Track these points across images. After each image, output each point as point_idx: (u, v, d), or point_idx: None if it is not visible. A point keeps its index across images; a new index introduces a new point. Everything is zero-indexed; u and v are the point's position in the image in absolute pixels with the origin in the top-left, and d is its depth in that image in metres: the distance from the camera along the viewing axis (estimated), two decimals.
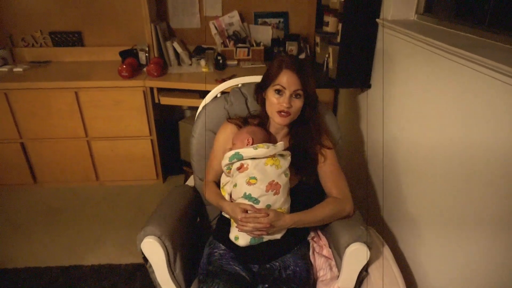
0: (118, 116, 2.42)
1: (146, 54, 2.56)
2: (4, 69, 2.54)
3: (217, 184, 1.38)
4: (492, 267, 1.02)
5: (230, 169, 1.23)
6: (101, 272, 1.94)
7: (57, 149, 2.52)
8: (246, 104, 1.50)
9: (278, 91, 1.22)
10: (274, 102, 1.22)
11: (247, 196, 1.16)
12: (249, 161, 1.19)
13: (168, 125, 2.77)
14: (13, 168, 2.57)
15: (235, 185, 1.20)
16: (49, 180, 2.65)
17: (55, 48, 2.74)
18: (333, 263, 1.31)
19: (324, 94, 2.40)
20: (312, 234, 1.40)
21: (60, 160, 2.56)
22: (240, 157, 1.20)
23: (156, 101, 2.43)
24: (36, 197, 2.58)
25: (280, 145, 1.23)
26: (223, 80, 2.20)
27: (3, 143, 2.47)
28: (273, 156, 1.20)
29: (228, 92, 1.54)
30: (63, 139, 2.49)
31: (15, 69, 2.53)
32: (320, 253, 1.34)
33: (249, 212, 1.14)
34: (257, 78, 1.37)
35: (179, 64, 2.60)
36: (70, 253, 2.08)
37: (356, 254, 1.16)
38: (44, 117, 2.40)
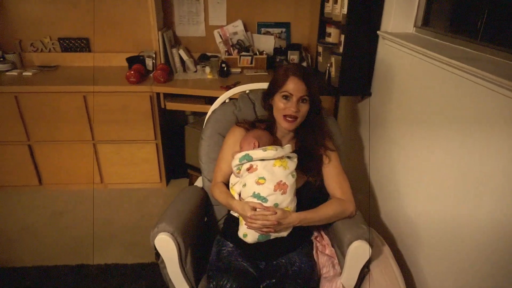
0: (124, 120, 2.49)
1: (153, 61, 2.64)
2: (14, 73, 2.61)
3: (225, 185, 1.45)
4: (489, 272, 1.08)
5: (240, 169, 1.30)
6: (108, 271, 1.99)
7: (63, 151, 2.58)
8: (254, 109, 1.57)
9: (286, 97, 1.29)
10: (282, 107, 1.30)
11: (256, 195, 1.23)
12: (258, 162, 1.27)
13: (171, 130, 2.84)
14: (20, 170, 2.61)
15: (244, 185, 1.27)
16: (54, 182, 2.69)
17: (63, 54, 2.81)
18: (335, 261, 1.37)
19: (325, 101, 2.48)
20: (315, 234, 1.47)
21: (66, 163, 2.62)
22: (249, 159, 1.27)
23: (162, 106, 2.50)
24: (42, 199, 2.63)
25: (288, 147, 1.30)
26: (228, 87, 2.28)
27: (11, 145, 2.52)
28: (281, 157, 1.28)
29: (236, 98, 1.62)
30: (69, 142, 2.55)
31: (25, 73, 2.60)
32: (323, 251, 1.41)
33: (258, 210, 1.21)
34: (264, 85, 1.44)
35: (184, 70, 2.69)
36: (77, 253, 2.13)
37: (358, 251, 1.23)
38: (52, 120, 2.46)
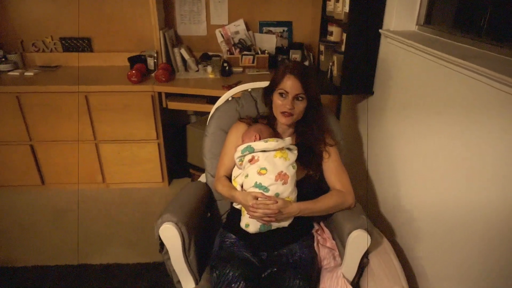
0: (126, 119, 2.49)
1: (155, 60, 2.64)
2: (16, 73, 2.61)
3: (228, 179, 1.46)
4: (488, 267, 1.08)
5: (242, 161, 1.33)
6: (109, 270, 1.98)
7: (65, 151, 2.58)
8: (256, 106, 1.60)
9: (282, 94, 1.32)
10: (279, 104, 1.33)
11: (258, 185, 1.25)
12: (259, 154, 1.29)
13: (173, 129, 2.84)
14: (22, 170, 2.61)
15: (246, 176, 1.30)
16: (56, 181, 2.69)
17: (65, 53, 2.82)
18: (336, 253, 1.40)
19: (327, 100, 2.51)
20: (316, 227, 1.49)
21: (67, 162, 2.61)
22: (251, 150, 1.30)
23: (164, 105, 2.50)
24: (44, 199, 2.63)
25: (288, 139, 1.34)
26: (230, 86, 2.29)
27: (13, 145, 2.53)
28: (281, 149, 1.30)
29: (239, 96, 1.64)
30: (71, 141, 2.54)
31: (26, 73, 2.61)
32: (323, 244, 1.43)
33: (259, 199, 1.23)
34: (266, 84, 1.47)
35: (186, 70, 2.69)
36: (78, 252, 2.13)
37: (358, 240, 1.25)
38: (54, 119, 2.46)
